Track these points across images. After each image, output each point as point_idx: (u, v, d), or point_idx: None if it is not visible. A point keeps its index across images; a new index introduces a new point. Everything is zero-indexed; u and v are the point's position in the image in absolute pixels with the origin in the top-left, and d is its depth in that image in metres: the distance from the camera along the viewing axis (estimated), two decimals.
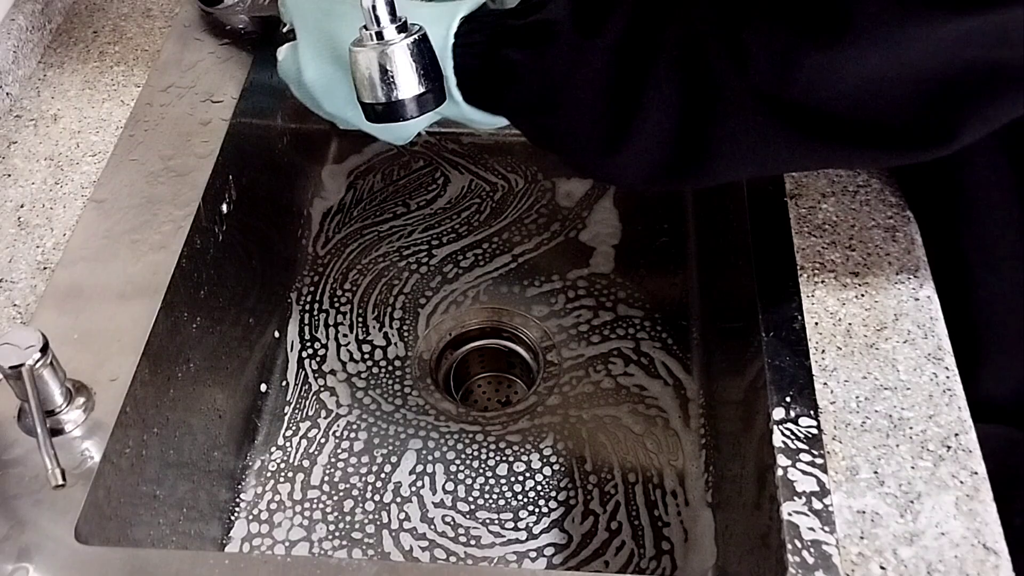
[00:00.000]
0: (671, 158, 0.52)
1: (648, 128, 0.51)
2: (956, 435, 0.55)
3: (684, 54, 0.49)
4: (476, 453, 0.78)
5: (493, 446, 0.79)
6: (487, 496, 0.76)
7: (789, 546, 0.50)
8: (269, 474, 0.77)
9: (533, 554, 0.73)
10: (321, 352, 0.85)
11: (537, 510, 0.75)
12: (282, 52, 0.62)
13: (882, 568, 0.50)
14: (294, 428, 0.80)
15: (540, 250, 0.92)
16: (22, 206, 0.68)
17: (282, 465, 0.78)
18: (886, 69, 0.45)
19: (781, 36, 0.46)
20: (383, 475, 0.77)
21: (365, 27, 0.55)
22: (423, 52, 0.55)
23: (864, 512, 0.52)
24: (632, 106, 0.51)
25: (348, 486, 0.77)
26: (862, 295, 0.61)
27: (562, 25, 0.53)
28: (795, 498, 0.52)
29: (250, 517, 0.75)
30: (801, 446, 0.54)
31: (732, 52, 0.48)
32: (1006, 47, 0.44)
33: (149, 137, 0.71)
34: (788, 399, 0.56)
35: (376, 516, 0.75)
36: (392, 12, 0.55)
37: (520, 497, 0.76)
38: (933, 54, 0.45)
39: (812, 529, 0.51)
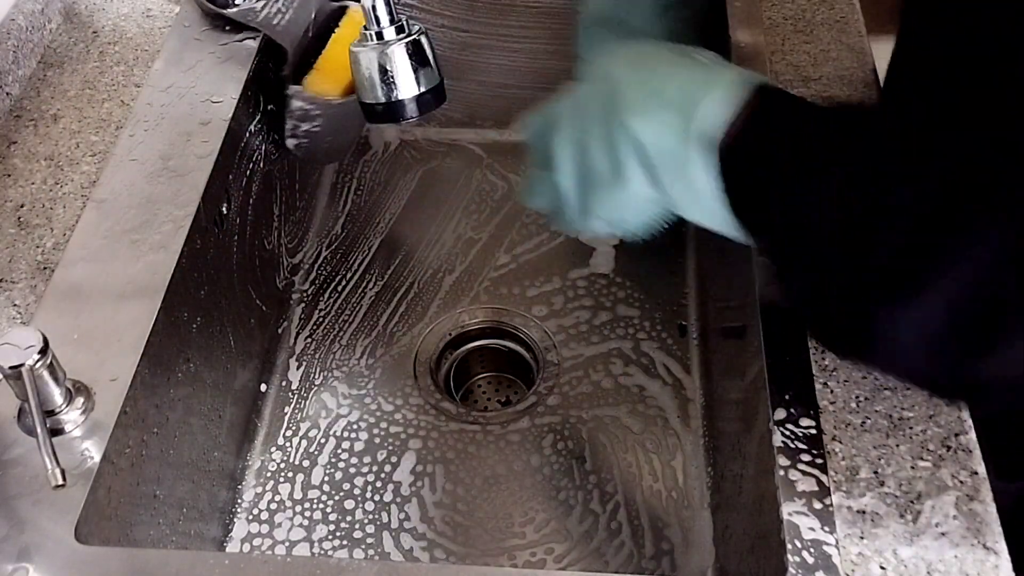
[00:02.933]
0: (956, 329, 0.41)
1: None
2: (956, 435, 0.55)
3: None
4: (476, 453, 0.78)
5: (493, 446, 0.79)
6: (487, 496, 0.76)
7: (789, 546, 0.50)
8: (269, 474, 0.77)
9: (533, 554, 0.73)
10: (321, 352, 0.85)
11: (537, 510, 0.75)
12: None
13: (882, 568, 0.50)
14: (294, 428, 0.80)
15: (540, 250, 0.92)
16: (22, 206, 0.68)
17: (282, 465, 0.78)
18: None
19: None
20: (383, 475, 0.77)
21: (365, 27, 0.55)
22: (423, 52, 0.55)
23: (864, 512, 0.52)
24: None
25: (348, 486, 0.77)
26: None
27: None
28: (795, 498, 0.52)
29: (250, 517, 0.75)
30: (801, 446, 0.54)
31: None
32: None
33: (149, 137, 0.71)
34: (788, 399, 0.56)
35: (376, 516, 0.75)
36: (391, 12, 0.55)
37: (520, 497, 0.76)
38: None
39: (812, 529, 0.51)
